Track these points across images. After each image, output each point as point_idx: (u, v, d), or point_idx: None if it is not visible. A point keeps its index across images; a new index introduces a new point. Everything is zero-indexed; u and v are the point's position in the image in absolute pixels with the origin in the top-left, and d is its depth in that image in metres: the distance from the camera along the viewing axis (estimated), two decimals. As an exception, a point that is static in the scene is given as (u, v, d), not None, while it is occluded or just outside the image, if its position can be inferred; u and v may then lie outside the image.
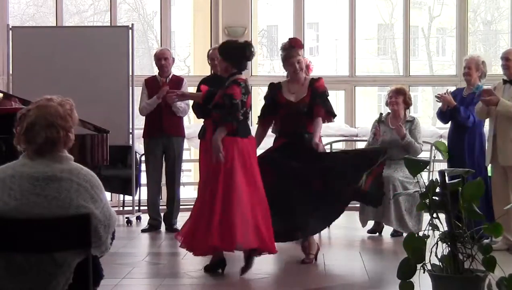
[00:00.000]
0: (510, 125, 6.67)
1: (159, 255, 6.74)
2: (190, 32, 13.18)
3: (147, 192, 8.32)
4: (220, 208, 5.72)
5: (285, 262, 6.37)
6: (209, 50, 8.08)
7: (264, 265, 6.45)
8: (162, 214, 8.12)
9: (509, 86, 6.82)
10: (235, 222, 5.69)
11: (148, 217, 8.18)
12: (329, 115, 6.47)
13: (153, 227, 8.00)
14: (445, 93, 7.34)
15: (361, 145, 8.82)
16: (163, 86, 7.90)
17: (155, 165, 8.08)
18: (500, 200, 6.70)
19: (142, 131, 8.33)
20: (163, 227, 8.04)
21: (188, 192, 10.22)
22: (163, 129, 7.92)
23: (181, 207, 8.16)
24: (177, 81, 8.09)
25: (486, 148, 6.91)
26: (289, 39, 6.62)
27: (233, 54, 6.03)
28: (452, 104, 7.18)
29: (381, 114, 7.92)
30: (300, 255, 6.41)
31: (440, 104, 7.37)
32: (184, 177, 9.12)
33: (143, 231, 7.96)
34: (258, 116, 6.58)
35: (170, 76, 8.13)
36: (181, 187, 8.57)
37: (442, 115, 7.37)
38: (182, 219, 8.10)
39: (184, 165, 9.21)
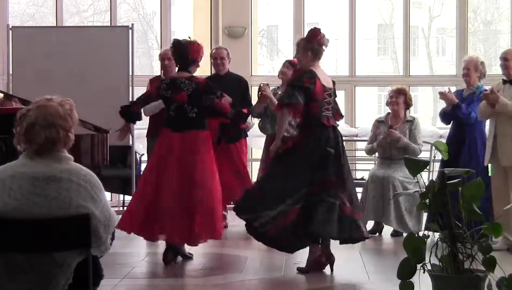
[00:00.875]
0: (510, 125, 6.67)
1: (159, 255, 6.73)
2: (190, 32, 13.18)
3: None
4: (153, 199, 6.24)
5: (285, 262, 6.36)
6: (212, 50, 8.11)
7: (264, 265, 6.45)
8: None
9: (509, 86, 6.82)
10: (161, 213, 6.21)
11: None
12: (280, 106, 5.95)
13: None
14: (446, 91, 7.35)
15: (361, 145, 8.82)
16: None
17: None
18: (500, 200, 6.70)
19: (141, 131, 8.33)
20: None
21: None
22: None
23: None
24: None
25: (486, 148, 6.91)
26: None
27: (176, 52, 6.48)
28: (454, 102, 7.19)
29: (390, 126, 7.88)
30: (299, 255, 6.40)
31: (442, 104, 7.38)
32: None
33: None
34: None
35: None
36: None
37: (445, 116, 7.37)
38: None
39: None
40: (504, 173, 6.77)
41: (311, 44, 6.00)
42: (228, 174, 7.79)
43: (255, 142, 9.13)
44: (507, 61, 6.83)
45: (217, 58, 7.93)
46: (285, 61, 8.05)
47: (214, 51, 8.07)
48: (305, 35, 6.13)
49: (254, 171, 9.27)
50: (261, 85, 7.63)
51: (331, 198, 5.82)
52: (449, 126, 7.52)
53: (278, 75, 7.99)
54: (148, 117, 8.17)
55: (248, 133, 8.16)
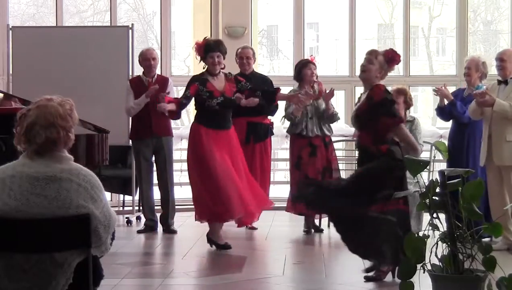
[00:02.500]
0: (505, 125, 6.68)
1: (158, 255, 6.74)
2: (190, 32, 13.18)
3: (141, 193, 8.30)
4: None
5: (285, 262, 6.36)
6: (238, 49, 8.13)
7: (264, 265, 6.45)
8: (158, 215, 8.11)
9: (504, 86, 6.83)
10: None
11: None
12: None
13: (149, 228, 7.98)
14: (442, 87, 7.38)
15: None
16: (150, 86, 7.89)
17: (146, 166, 8.04)
18: (496, 200, 6.71)
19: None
20: (160, 228, 8.01)
21: (186, 192, 10.16)
22: (152, 130, 7.88)
23: (177, 207, 8.15)
24: (163, 81, 8.06)
25: (482, 148, 6.90)
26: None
27: None
28: (450, 98, 7.23)
29: None
30: (299, 255, 6.41)
31: (438, 100, 7.42)
32: (182, 177, 9.12)
33: (139, 232, 7.92)
34: None
35: (155, 76, 8.10)
36: (179, 187, 8.56)
37: (441, 112, 7.40)
38: (179, 219, 8.10)
39: (181, 166, 9.16)
40: (499, 174, 6.77)
41: (387, 66, 5.97)
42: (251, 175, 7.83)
43: (276, 143, 9.09)
44: (504, 61, 6.83)
45: (243, 58, 7.99)
46: (306, 63, 7.87)
47: (240, 50, 8.10)
48: (385, 50, 5.99)
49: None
50: (319, 83, 7.65)
51: None
52: (450, 125, 7.54)
53: (299, 78, 7.79)
54: (131, 119, 8.14)
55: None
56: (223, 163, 6.71)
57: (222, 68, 6.93)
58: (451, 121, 7.51)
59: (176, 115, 7.06)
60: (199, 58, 6.96)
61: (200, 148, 6.76)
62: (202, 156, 6.74)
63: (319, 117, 7.76)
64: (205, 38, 7.05)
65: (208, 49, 6.84)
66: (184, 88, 6.98)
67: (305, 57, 9.01)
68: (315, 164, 7.68)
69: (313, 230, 7.79)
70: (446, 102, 7.33)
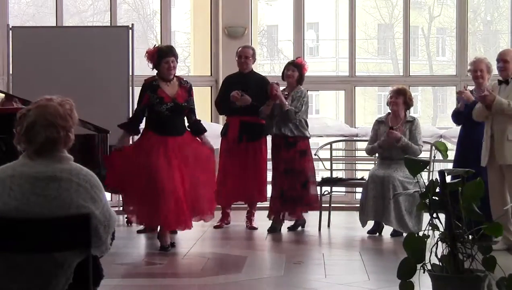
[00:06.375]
0: (507, 124, 6.68)
1: (159, 255, 6.73)
2: (190, 32, 13.17)
3: None
4: None
5: (285, 262, 6.37)
6: (239, 48, 8.15)
7: (264, 265, 6.45)
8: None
9: (504, 86, 6.82)
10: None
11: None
12: None
13: (149, 228, 7.96)
14: (464, 89, 7.31)
15: (361, 145, 8.82)
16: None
17: None
18: (497, 200, 6.71)
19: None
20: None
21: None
22: None
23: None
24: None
25: (483, 149, 6.87)
26: None
27: None
28: (471, 100, 7.10)
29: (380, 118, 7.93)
30: (299, 255, 6.41)
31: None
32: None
33: (139, 232, 7.90)
34: None
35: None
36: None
37: (458, 116, 7.33)
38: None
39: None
40: (501, 173, 6.77)
41: None
42: (244, 174, 7.83)
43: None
44: (507, 62, 6.80)
45: (242, 57, 8.02)
46: (288, 63, 8.00)
47: (240, 49, 8.14)
48: None
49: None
50: (272, 84, 7.69)
51: None
52: (453, 125, 7.51)
53: (283, 78, 7.93)
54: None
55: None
56: (161, 170, 6.59)
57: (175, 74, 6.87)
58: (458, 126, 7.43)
59: (135, 131, 7.12)
60: (151, 65, 6.88)
61: (142, 152, 6.72)
62: (142, 160, 6.68)
63: (282, 117, 7.75)
64: (154, 45, 7.04)
65: (162, 55, 6.76)
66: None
67: (305, 57, 9.02)
68: (278, 164, 7.74)
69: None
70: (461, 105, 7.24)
